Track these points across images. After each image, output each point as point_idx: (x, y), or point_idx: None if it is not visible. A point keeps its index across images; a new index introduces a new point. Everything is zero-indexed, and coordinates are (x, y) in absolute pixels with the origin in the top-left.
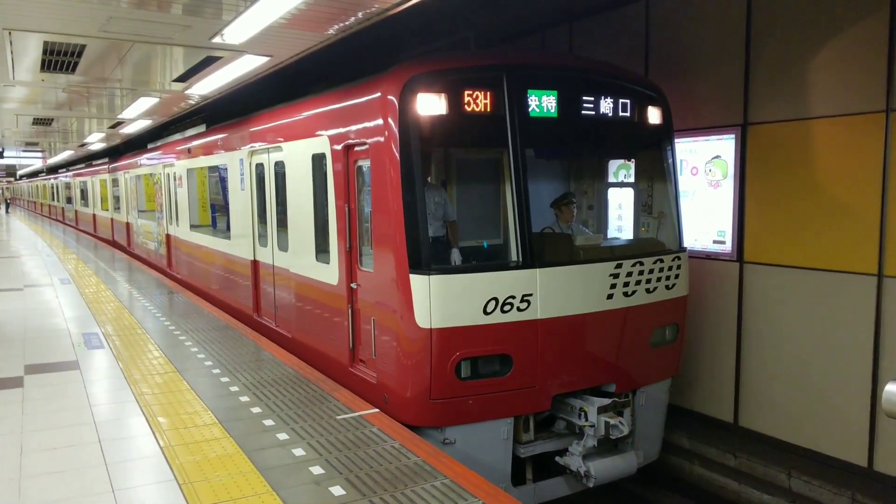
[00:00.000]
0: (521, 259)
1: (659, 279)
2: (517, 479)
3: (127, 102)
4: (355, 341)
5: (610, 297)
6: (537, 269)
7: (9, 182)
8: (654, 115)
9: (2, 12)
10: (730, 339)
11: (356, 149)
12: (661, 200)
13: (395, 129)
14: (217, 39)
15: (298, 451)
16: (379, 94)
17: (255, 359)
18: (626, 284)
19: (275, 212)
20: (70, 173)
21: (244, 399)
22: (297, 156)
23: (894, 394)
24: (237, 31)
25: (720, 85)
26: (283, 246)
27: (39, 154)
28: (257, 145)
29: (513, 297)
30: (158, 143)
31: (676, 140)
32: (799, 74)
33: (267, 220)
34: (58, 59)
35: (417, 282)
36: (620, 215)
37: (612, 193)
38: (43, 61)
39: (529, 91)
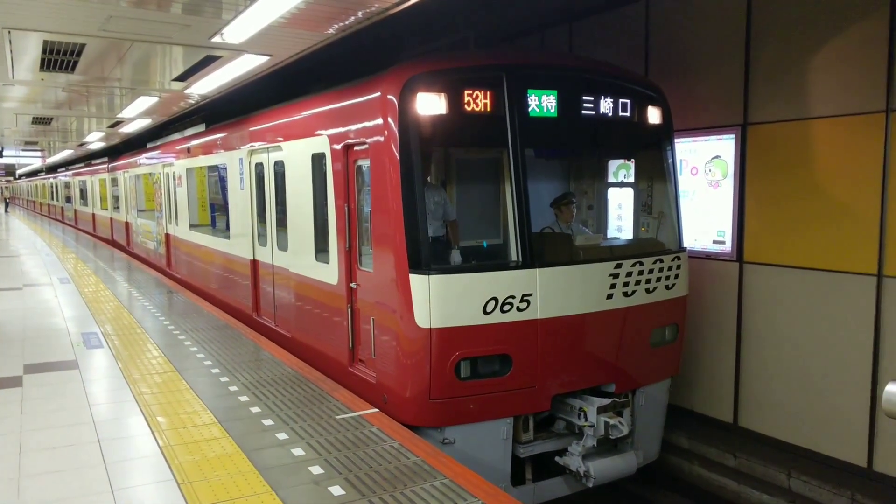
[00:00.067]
0: (520, 259)
1: (659, 279)
2: (517, 479)
3: (126, 102)
4: (355, 341)
5: (610, 297)
6: (537, 269)
7: (8, 181)
8: (654, 115)
9: (1, 11)
10: (729, 340)
11: (356, 148)
12: (661, 200)
13: (395, 129)
14: (217, 39)
15: (298, 451)
16: (379, 93)
17: (254, 358)
18: (625, 284)
19: (274, 211)
20: (69, 172)
21: (243, 399)
22: (296, 155)
23: (894, 394)
24: (237, 31)
25: (720, 85)
26: (282, 245)
27: (39, 153)
28: (257, 145)
29: (512, 297)
30: (158, 143)
31: (676, 140)
32: (799, 74)
33: (266, 219)
34: (57, 58)
35: (417, 282)
36: (620, 215)
37: (612, 193)
38: (42, 60)
39: (529, 91)
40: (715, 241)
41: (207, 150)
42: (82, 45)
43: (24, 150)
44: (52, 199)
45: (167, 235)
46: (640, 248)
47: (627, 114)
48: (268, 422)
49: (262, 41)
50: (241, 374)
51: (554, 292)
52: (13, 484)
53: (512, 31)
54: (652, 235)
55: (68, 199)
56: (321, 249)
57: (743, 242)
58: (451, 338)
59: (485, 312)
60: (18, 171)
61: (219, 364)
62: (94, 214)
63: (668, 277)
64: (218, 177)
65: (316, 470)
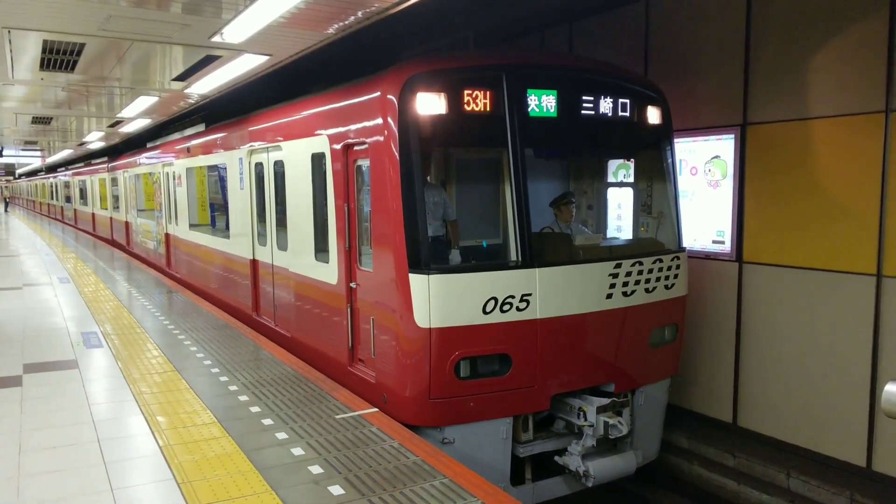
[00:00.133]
0: (520, 259)
1: (658, 279)
2: (516, 478)
3: (126, 101)
4: (354, 341)
5: (609, 296)
6: (536, 269)
7: (8, 181)
8: (653, 115)
9: (1, 11)
10: (729, 339)
11: (355, 148)
12: (661, 200)
13: (395, 129)
14: (216, 38)
15: (297, 451)
16: (378, 93)
17: (254, 358)
18: (625, 284)
19: (274, 211)
20: (69, 172)
21: (243, 398)
22: (296, 155)
23: (894, 394)
24: (237, 30)
25: (720, 85)
26: (282, 245)
27: (38, 153)
28: (256, 144)
29: (512, 297)
30: (157, 143)
31: (676, 140)
32: (798, 74)
33: (266, 219)
34: (57, 57)
35: (417, 281)
36: (620, 215)
37: (612, 193)
38: (42, 60)
39: (529, 91)
40: (714, 241)
41: (207, 149)
42: (82, 45)
43: (23, 150)
44: (52, 198)
45: (167, 235)
46: (639, 247)
47: (627, 114)
48: (267, 421)
49: (261, 41)
50: (240, 373)
51: (553, 292)
52: (13, 483)
53: (512, 31)
54: (651, 235)
55: (68, 199)
56: (321, 249)
57: (742, 242)
58: (451, 337)
59: (484, 312)
60: (18, 171)
61: (218, 364)
62: (93, 214)
63: (667, 277)
64: (218, 176)
65: (316, 469)
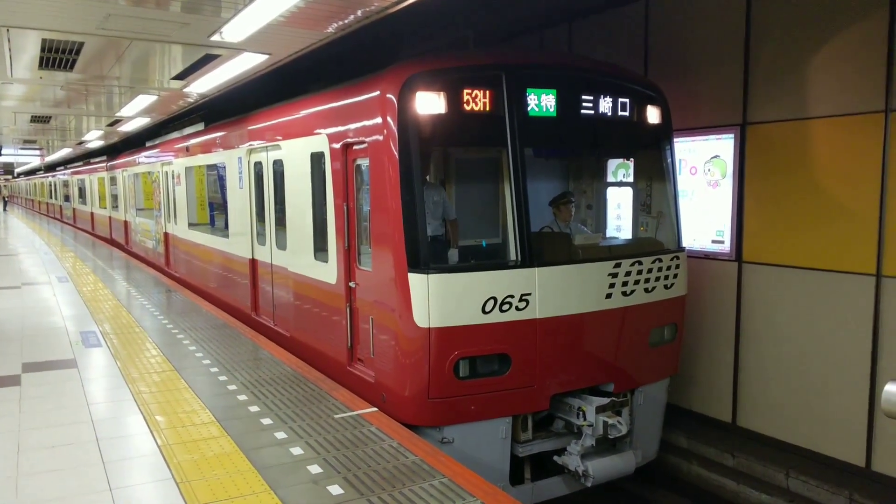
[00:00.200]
0: (519, 258)
1: (657, 279)
2: (515, 478)
3: (125, 100)
4: (354, 340)
5: (608, 296)
6: (536, 269)
7: (6, 180)
8: (653, 115)
9: (0, 9)
10: (728, 339)
11: (355, 147)
12: (660, 200)
13: (394, 128)
14: (216, 37)
15: (296, 450)
16: (378, 92)
17: (253, 357)
18: (624, 284)
19: (273, 210)
20: (68, 171)
21: (242, 398)
22: (295, 154)
23: (893, 394)
24: (236, 29)
25: (719, 84)
26: (281, 245)
27: (37, 152)
28: (256, 144)
29: (511, 297)
30: (157, 142)
31: (675, 139)
32: (798, 74)
33: (265, 218)
34: (56, 56)
35: (416, 281)
36: (619, 215)
37: (611, 193)
38: (41, 59)
39: (528, 90)
40: (714, 241)
41: (206, 148)
42: (81, 44)
43: (22, 149)
44: (51, 197)
45: (166, 234)
46: (638, 247)
47: (627, 113)
48: (266, 421)
49: (261, 40)
50: (239, 373)
51: (553, 292)
52: (11, 483)
53: (511, 31)
54: (651, 235)
55: (67, 198)
56: (320, 248)
57: (742, 242)
58: (450, 337)
59: (484, 312)
60: (17, 170)
61: (217, 363)
62: (92, 213)
63: (666, 277)
64: (217, 176)
65: (315, 469)
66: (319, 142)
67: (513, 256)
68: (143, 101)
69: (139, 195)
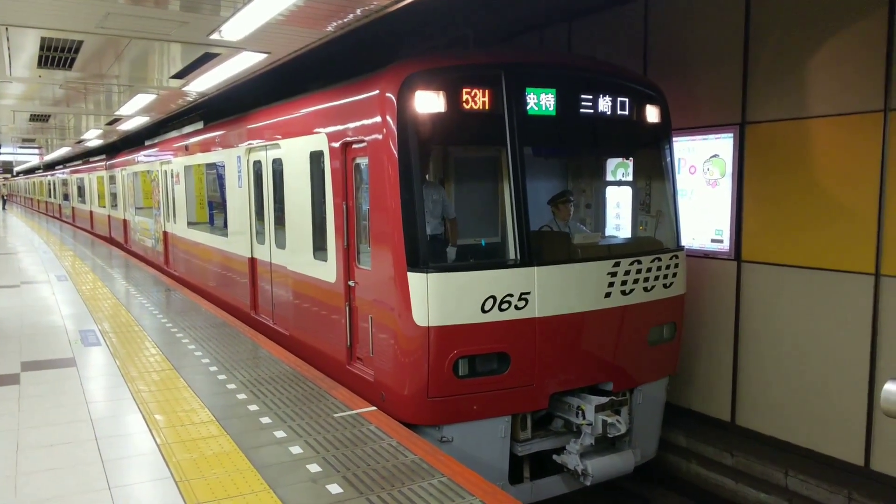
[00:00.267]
0: (519, 257)
1: (657, 278)
2: (514, 477)
3: (124, 99)
4: (353, 339)
5: (608, 295)
6: (535, 268)
7: (5, 178)
8: (652, 114)
9: None
10: (727, 338)
11: (354, 146)
12: (659, 199)
13: (394, 127)
14: (215, 36)
15: (296, 449)
16: (377, 91)
17: (252, 356)
18: (623, 283)
19: (272, 209)
20: (67, 170)
21: (241, 396)
22: (294, 153)
23: (893, 393)
24: (235, 28)
25: (719, 84)
26: (280, 243)
27: (36, 150)
28: (255, 142)
29: (511, 296)
30: (156, 140)
31: (675, 139)
32: (797, 74)
33: (265, 217)
34: (55, 55)
35: (415, 280)
36: (618, 214)
37: (611, 192)
38: (40, 57)
39: (528, 89)
40: (713, 240)
41: (205, 147)
42: (80, 42)
43: (21, 148)
44: (50, 196)
45: (165, 233)
46: (638, 246)
47: (626, 112)
48: (266, 420)
49: (260, 38)
50: (238, 371)
51: (552, 291)
52: (10, 481)
53: (511, 30)
54: (650, 234)
55: (66, 197)
56: (319, 247)
57: (741, 241)
58: (450, 336)
59: (483, 311)
60: (16, 169)
61: (217, 362)
62: (91, 212)
63: (666, 276)
64: (216, 174)
65: (314, 468)
66: (319, 141)
67: (512, 255)
68: (142, 99)
69: (138, 194)
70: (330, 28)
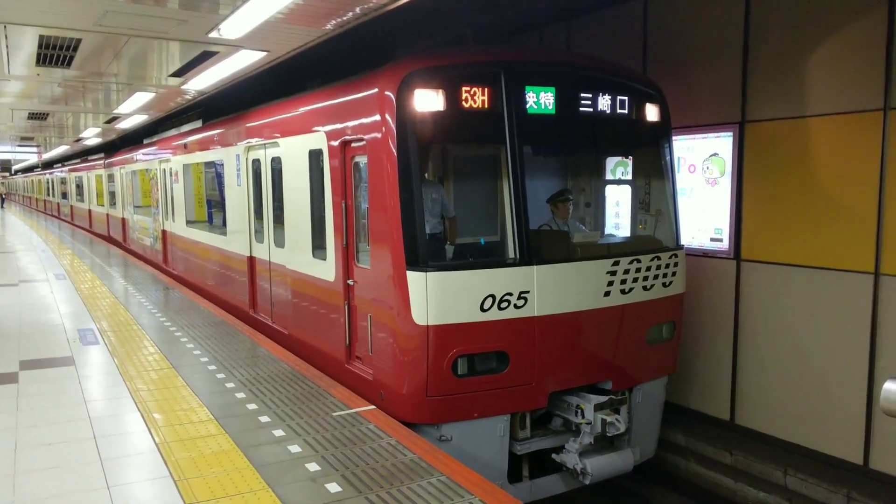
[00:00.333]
0: (518, 256)
1: (656, 276)
2: (514, 476)
3: (123, 97)
4: (352, 338)
5: (607, 294)
6: (534, 267)
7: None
8: (652, 113)
9: None
10: (726, 337)
11: (353, 145)
12: (659, 198)
13: (393, 125)
14: (214, 34)
15: (294, 448)
16: (376, 89)
17: (251, 355)
18: (623, 282)
19: (271, 208)
20: (66, 168)
21: (240, 395)
22: (293, 151)
23: (892, 392)
24: (234, 26)
25: (718, 82)
26: (279, 242)
27: (35, 149)
28: (254, 141)
29: (510, 295)
30: (154, 139)
31: (674, 137)
32: (797, 72)
33: (263, 216)
34: (53, 53)
35: (414, 278)
36: (618, 212)
37: (610, 190)
38: (38, 55)
39: (527, 87)
40: (712, 239)
41: (204, 146)
42: (78, 40)
43: (19, 146)
44: (49, 194)
45: (164, 232)
46: (637, 245)
47: (626, 111)
48: (264, 418)
49: (259, 37)
50: (237, 370)
51: (551, 289)
52: (8, 480)
53: (510, 28)
54: (649, 233)
55: (64, 195)
56: (318, 246)
57: (740, 240)
58: (449, 335)
59: (482, 310)
60: (14, 167)
61: (215, 361)
62: (90, 210)
63: (665, 275)
64: (215, 173)
65: (313, 467)
66: (317, 139)
67: (511, 254)
68: (141, 98)
69: (137, 192)
70: (329, 26)
